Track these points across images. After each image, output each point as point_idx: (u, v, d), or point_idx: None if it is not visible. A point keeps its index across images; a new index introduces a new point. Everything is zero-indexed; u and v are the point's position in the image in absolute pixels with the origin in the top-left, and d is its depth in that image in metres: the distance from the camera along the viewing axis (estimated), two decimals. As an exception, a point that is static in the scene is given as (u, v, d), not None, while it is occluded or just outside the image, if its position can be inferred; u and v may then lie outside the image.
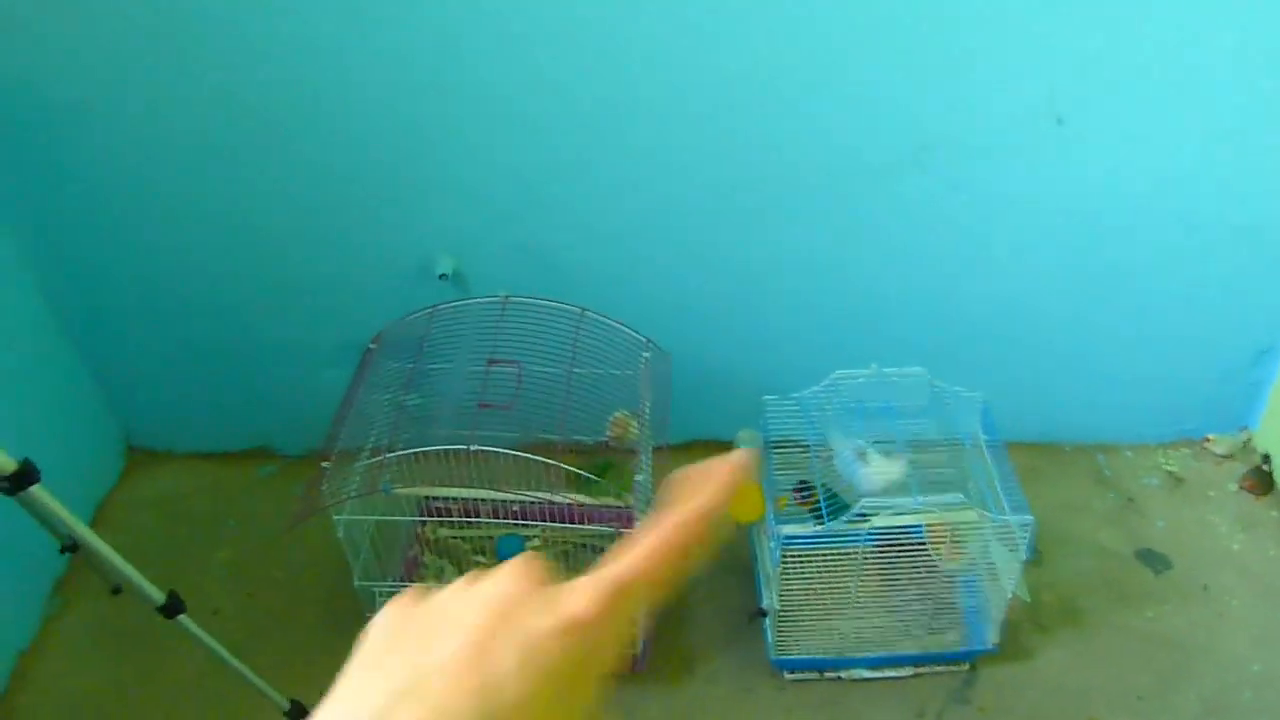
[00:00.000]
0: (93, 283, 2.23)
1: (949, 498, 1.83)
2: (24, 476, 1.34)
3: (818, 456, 1.95)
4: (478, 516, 2.11)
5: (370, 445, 1.87)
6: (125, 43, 1.82)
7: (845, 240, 2.14)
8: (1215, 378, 2.45)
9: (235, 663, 1.67)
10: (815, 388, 1.95)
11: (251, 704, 1.80)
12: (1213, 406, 2.50)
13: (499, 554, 1.82)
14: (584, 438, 1.84)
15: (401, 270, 2.17)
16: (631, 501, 1.82)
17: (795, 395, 1.96)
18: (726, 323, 2.25)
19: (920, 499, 1.80)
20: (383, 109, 1.92)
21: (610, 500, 1.87)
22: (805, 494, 1.97)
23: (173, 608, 1.55)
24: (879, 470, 1.91)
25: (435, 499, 2.14)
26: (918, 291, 2.21)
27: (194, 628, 1.59)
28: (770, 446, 1.97)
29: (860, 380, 1.94)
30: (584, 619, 0.36)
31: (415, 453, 1.71)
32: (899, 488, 1.88)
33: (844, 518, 1.79)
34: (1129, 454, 2.55)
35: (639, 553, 0.39)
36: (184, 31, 1.80)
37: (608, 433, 1.86)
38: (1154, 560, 2.29)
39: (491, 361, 1.78)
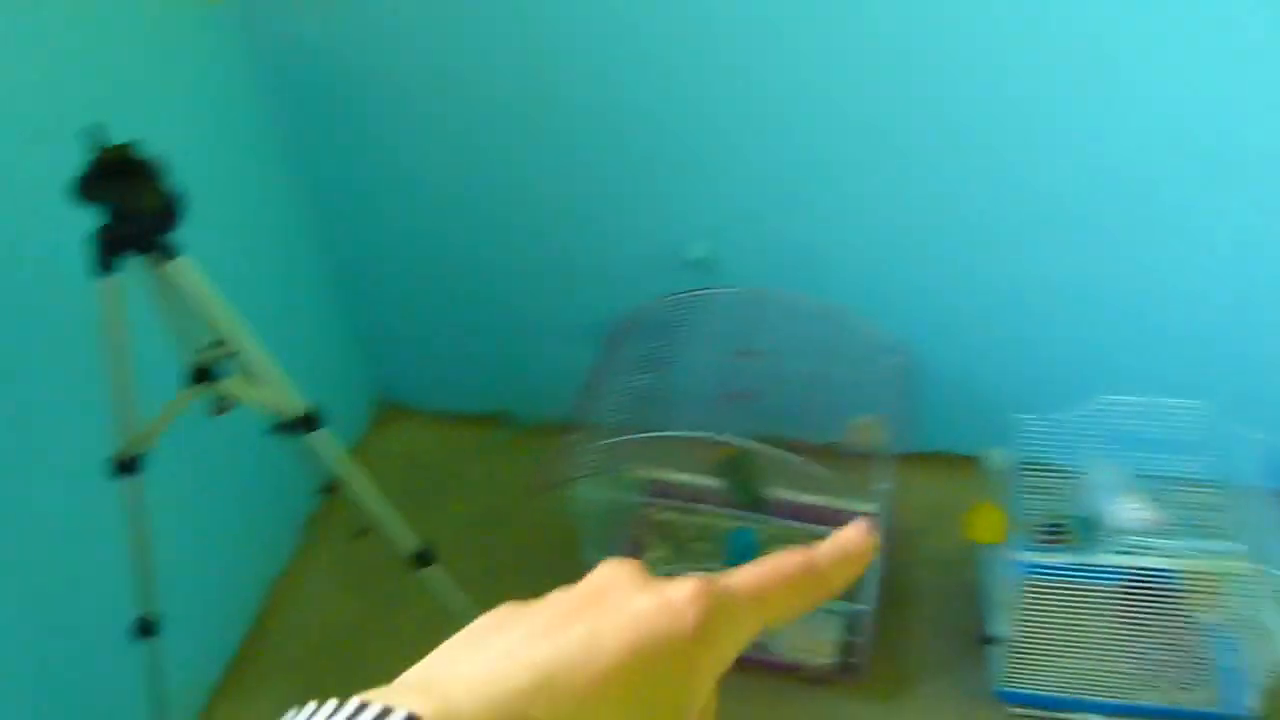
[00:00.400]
0: (364, 241, 2.38)
1: (1219, 545, 1.68)
2: (312, 420, 1.44)
3: (1073, 484, 1.84)
4: (703, 502, 2.12)
5: (612, 423, 1.91)
6: (420, 15, 1.92)
7: (1121, 261, 2.00)
8: None
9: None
10: (1077, 411, 1.84)
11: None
12: None
13: (730, 546, 1.82)
14: (829, 439, 1.81)
15: (655, 253, 2.19)
16: (871, 508, 1.77)
17: (1054, 416, 1.85)
18: (983, 334, 2.15)
19: (1186, 543, 1.66)
20: (654, 96, 1.94)
21: (849, 504, 1.83)
22: (1055, 523, 1.86)
23: (425, 558, 1.63)
24: (1135, 509, 1.78)
25: (662, 482, 2.17)
26: (1202, 320, 2.04)
27: (440, 580, 1.66)
28: (1021, 468, 1.87)
29: (1128, 408, 1.80)
30: (680, 606, 0.33)
31: (658, 436, 1.72)
32: (1155, 530, 1.74)
33: (1096, 552, 1.67)
34: None
35: (756, 572, 0.36)
36: (477, 10, 1.89)
37: (850, 437, 1.81)
38: None
39: (740, 352, 1.77)
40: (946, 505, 2.23)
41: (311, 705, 0.29)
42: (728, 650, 0.34)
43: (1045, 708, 1.94)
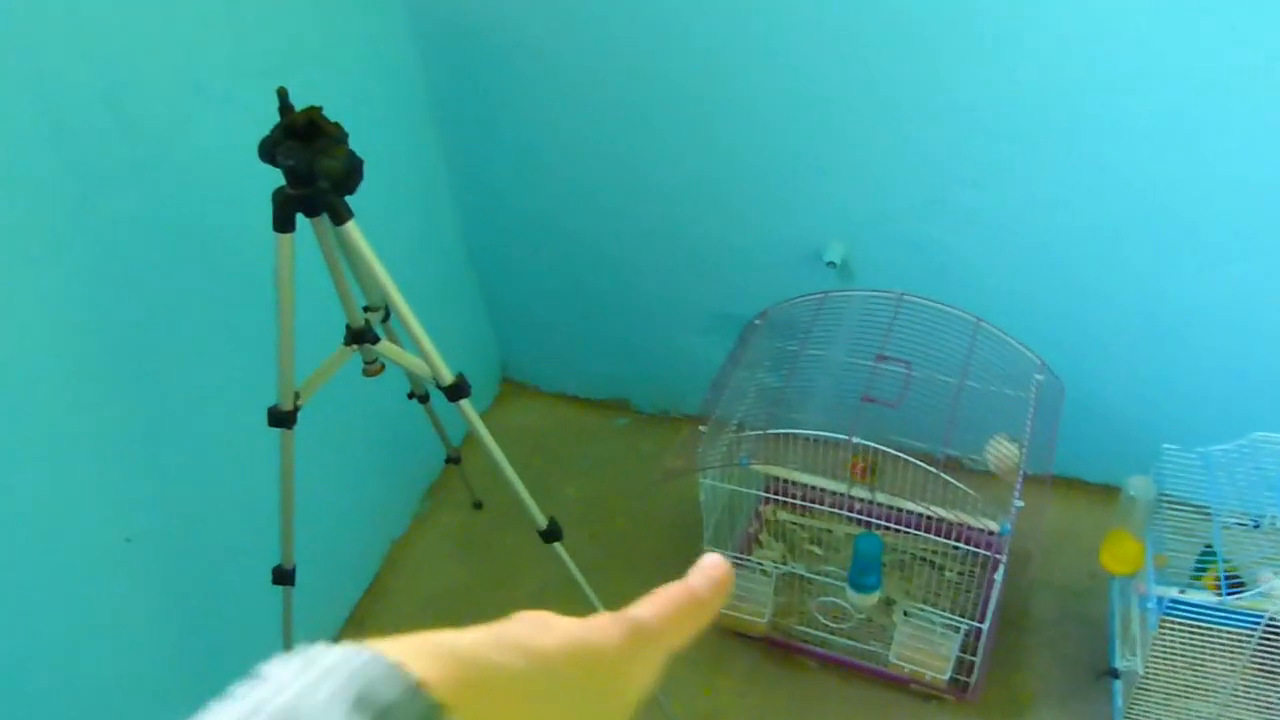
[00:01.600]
0: (501, 220, 2.43)
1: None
2: (459, 389, 1.48)
3: (1220, 522, 1.77)
4: (821, 505, 2.10)
5: (739, 418, 1.91)
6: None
7: (1277, 291, 1.91)
8: None
9: (589, 592, 1.77)
10: (1226, 445, 1.77)
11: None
12: None
13: (857, 550, 1.80)
14: (963, 454, 1.78)
15: (790, 251, 2.18)
16: (1000, 527, 1.73)
17: (1200, 450, 1.78)
18: (1130, 359, 2.08)
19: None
20: (797, 90, 1.93)
21: (977, 521, 1.80)
22: (1202, 561, 1.79)
23: (552, 533, 1.66)
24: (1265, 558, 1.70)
25: (783, 481, 2.16)
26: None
27: (565, 555, 1.69)
28: (1162, 500, 1.81)
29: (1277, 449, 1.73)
30: (604, 625, 0.37)
31: (789, 434, 1.72)
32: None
33: (1245, 596, 1.61)
34: None
35: (654, 604, 0.40)
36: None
37: (987, 456, 1.78)
38: None
39: (880, 357, 1.75)
40: (1077, 532, 2.18)
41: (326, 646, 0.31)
42: (644, 668, 0.38)
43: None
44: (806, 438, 1.80)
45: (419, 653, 0.31)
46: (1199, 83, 1.69)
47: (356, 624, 2.22)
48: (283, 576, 1.68)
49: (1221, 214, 1.83)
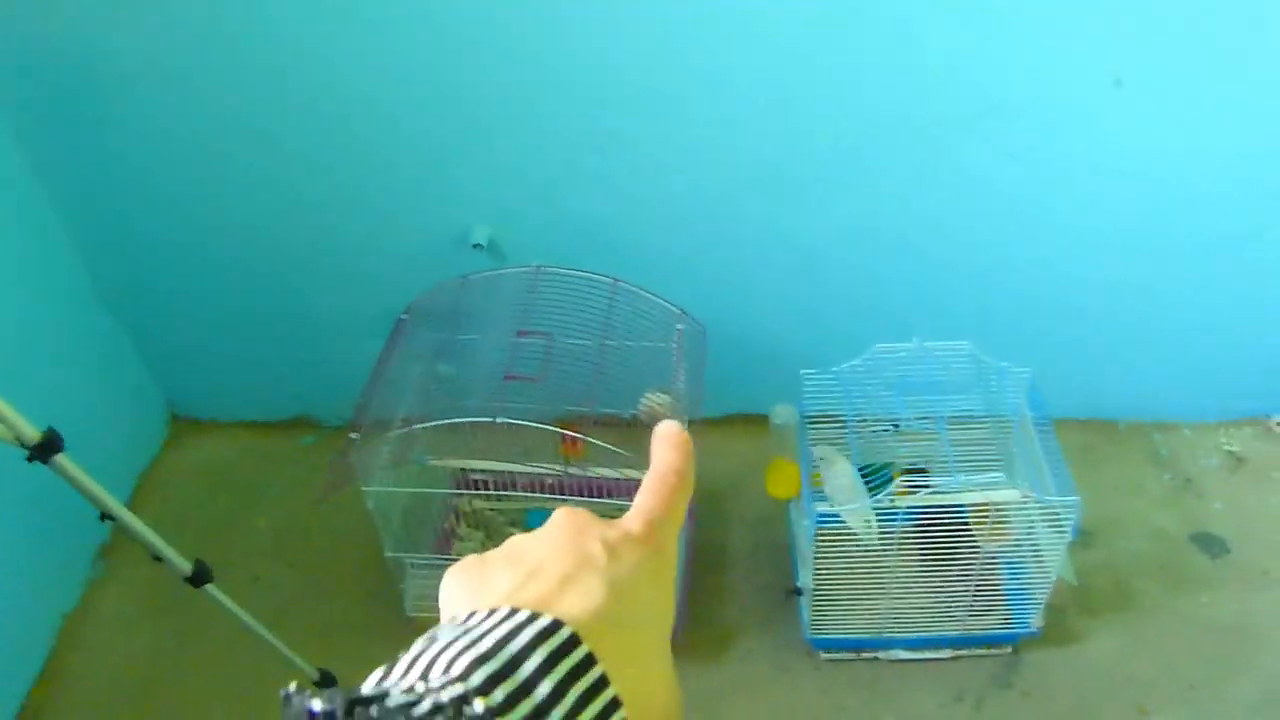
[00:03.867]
0: (133, 251, 2.24)
1: (990, 477, 1.77)
2: (49, 446, 1.35)
3: (855, 433, 1.90)
4: (513, 489, 2.10)
5: (401, 416, 1.86)
6: (167, 12, 1.81)
7: (890, 210, 2.07)
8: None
9: (264, 633, 1.68)
10: (854, 361, 1.90)
11: (288, 669, 1.81)
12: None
13: (528, 528, 1.80)
14: (615, 411, 1.81)
15: (439, 240, 2.15)
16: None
17: (834, 369, 1.90)
18: (765, 294, 2.20)
19: (960, 478, 1.74)
20: (421, 77, 1.89)
21: (638, 474, 1.84)
22: (868, 471, 1.91)
23: (199, 577, 1.55)
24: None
25: (471, 471, 2.14)
26: (966, 262, 2.14)
27: (221, 597, 1.59)
28: (807, 422, 1.92)
29: (901, 354, 1.87)
30: (640, 536, 0.42)
31: (442, 424, 1.69)
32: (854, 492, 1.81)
33: (879, 496, 1.74)
34: (1188, 433, 2.46)
35: (659, 496, 0.45)
36: (229, 4, 1.79)
37: (640, 410, 1.82)
38: (1211, 544, 2.20)
39: (520, 333, 1.75)
40: (750, 465, 2.28)
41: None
42: (673, 554, 0.44)
43: (855, 649, 2.01)
44: (467, 424, 1.77)
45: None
46: (813, 22, 1.78)
47: (30, 716, 2.01)
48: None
49: (815, 160, 1.97)
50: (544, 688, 0.33)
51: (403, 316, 1.95)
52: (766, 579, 2.17)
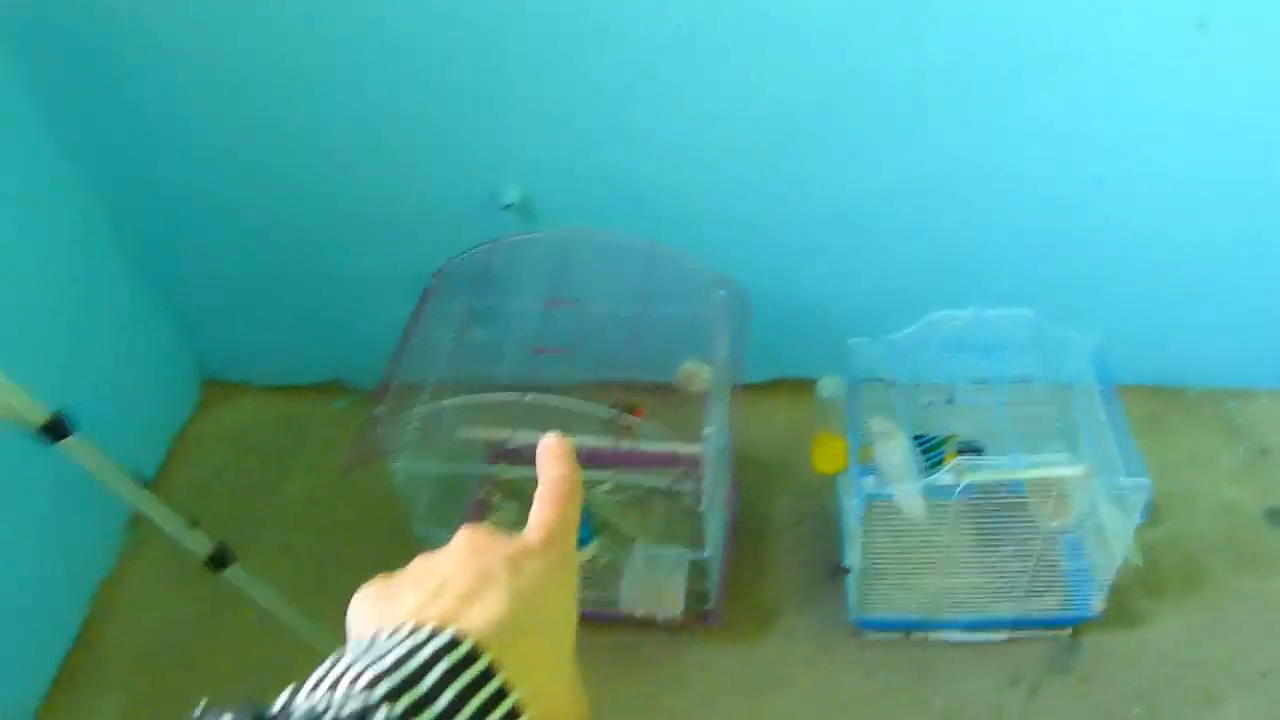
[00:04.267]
0: (161, 212, 2.18)
1: (1053, 456, 1.65)
2: (57, 428, 1.29)
3: (907, 404, 1.79)
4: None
5: (432, 385, 1.79)
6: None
7: (948, 163, 1.93)
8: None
9: (285, 613, 1.63)
10: (909, 330, 1.78)
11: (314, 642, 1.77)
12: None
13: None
14: (652, 378, 1.71)
15: (471, 199, 2.05)
16: (702, 449, 1.69)
17: (886, 338, 1.79)
18: (813, 255, 2.08)
19: (1020, 457, 1.63)
20: (453, 25, 1.78)
21: (680, 447, 1.75)
22: (924, 444, 1.80)
23: (220, 560, 1.50)
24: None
25: (502, 442, 2.07)
26: (1029, 219, 2.00)
27: (242, 580, 1.54)
28: (856, 392, 1.81)
29: (959, 323, 1.75)
30: (538, 547, 0.45)
31: (469, 401, 1.61)
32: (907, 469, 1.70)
33: (937, 474, 1.63)
34: (1265, 400, 2.31)
35: (553, 504, 0.48)
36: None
37: (676, 379, 1.73)
38: (1287, 521, 2.07)
39: (551, 301, 1.66)
40: (796, 433, 2.18)
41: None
42: (573, 557, 0.46)
43: (904, 630, 1.92)
44: (496, 399, 1.70)
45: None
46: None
47: (66, 683, 2.00)
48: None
49: (870, 108, 1.83)
50: (444, 699, 0.35)
51: (433, 281, 1.87)
52: (811, 553, 2.08)
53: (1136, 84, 1.78)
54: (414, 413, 1.72)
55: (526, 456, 1.67)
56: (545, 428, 1.59)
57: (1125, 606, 1.91)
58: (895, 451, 1.70)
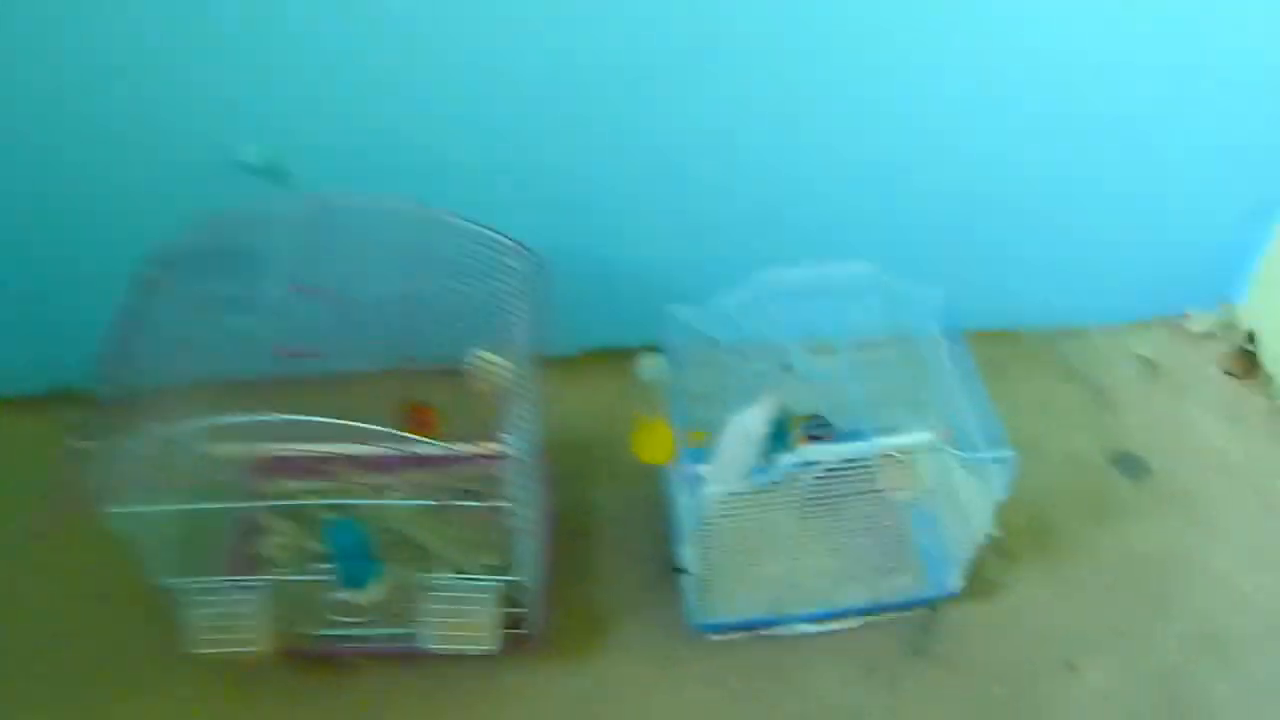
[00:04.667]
0: None
1: (906, 426, 1.46)
2: None
3: (743, 374, 1.56)
4: (328, 466, 1.70)
5: (160, 397, 1.42)
6: None
7: (766, 107, 1.72)
8: (1195, 244, 2.11)
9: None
10: (737, 291, 1.54)
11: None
12: (1191, 278, 2.18)
13: (329, 545, 1.41)
14: (444, 363, 1.41)
15: (197, 160, 1.67)
16: (506, 448, 1.41)
17: (713, 302, 1.55)
18: (621, 215, 1.83)
19: (871, 435, 1.43)
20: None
21: (481, 448, 1.47)
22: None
23: None
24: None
25: (271, 455, 1.73)
26: (854, 162, 1.80)
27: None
28: (680, 368, 1.57)
29: (794, 281, 1.52)
30: None
31: (214, 423, 1.27)
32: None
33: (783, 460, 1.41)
34: (1098, 338, 2.21)
35: None
36: None
37: (469, 368, 1.43)
38: (1132, 466, 1.98)
39: (298, 287, 1.32)
40: (616, 410, 1.91)
41: None
42: None
43: (749, 629, 1.71)
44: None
45: None
46: None
47: None
48: None
49: (676, 43, 1.58)
50: None
51: (152, 265, 1.49)
52: (642, 548, 1.83)
53: (956, 11, 1.59)
54: (139, 437, 1.35)
55: (303, 467, 1.34)
56: (318, 432, 1.26)
57: (980, 576, 1.76)
58: (738, 441, 1.47)
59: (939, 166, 1.87)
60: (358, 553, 1.43)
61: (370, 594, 1.47)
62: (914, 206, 1.92)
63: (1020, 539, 1.84)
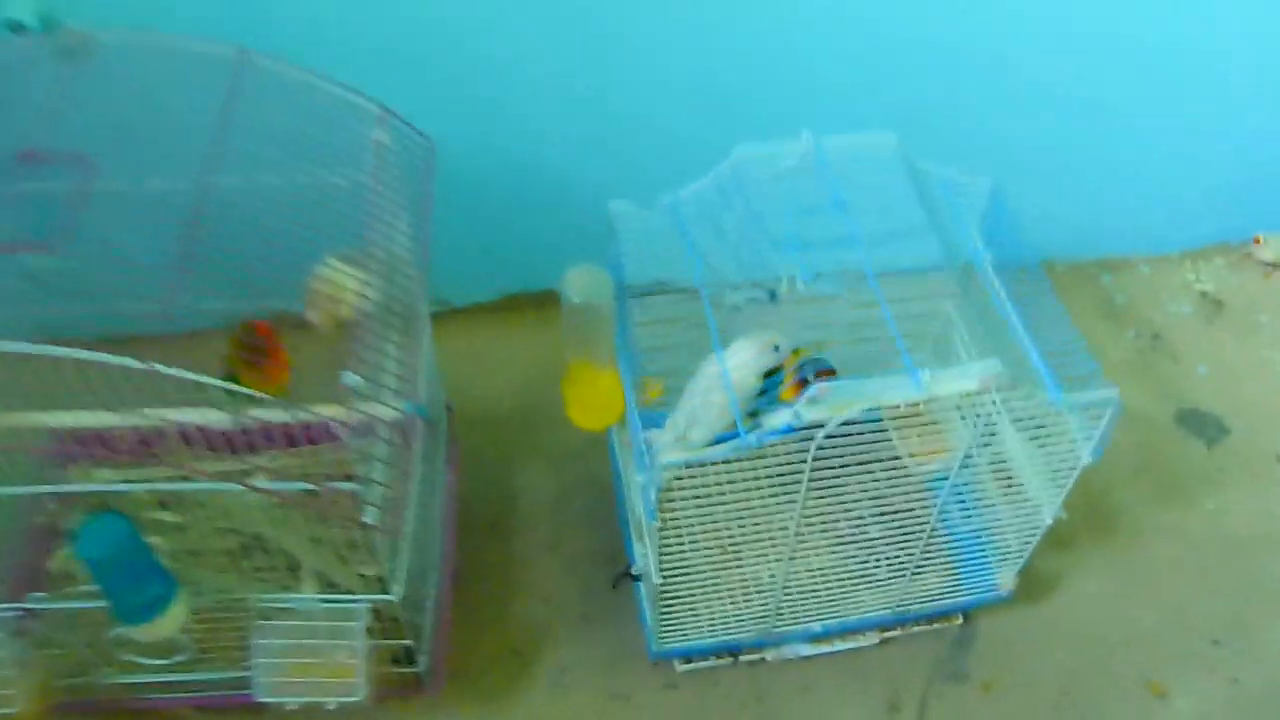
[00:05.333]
0: None
1: (959, 367, 1.03)
2: None
3: (713, 304, 1.10)
4: (152, 446, 1.22)
5: None
6: None
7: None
8: (1265, 155, 1.69)
9: None
10: (699, 183, 1.10)
11: None
12: (1260, 196, 1.76)
13: (82, 553, 0.94)
14: (256, 305, 0.95)
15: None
16: (373, 413, 0.95)
17: (670, 197, 1.10)
18: (546, 99, 1.37)
19: (918, 374, 0.98)
20: None
21: (336, 410, 1.00)
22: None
23: None
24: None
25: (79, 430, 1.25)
26: (865, 43, 1.38)
27: None
28: (629, 293, 1.11)
29: (779, 163, 1.08)
30: None
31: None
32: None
33: (775, 414, 0.96)
34: (1145, 270, 1.80)
35: None
36: None
37: (306, 295, 0.97)
38: (1204, 425, 1.57)
39: (26, 156, 0.85)
40: (548, 370, 1.47)
41: None
42: None
43: (729, 653, 1.27)
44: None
45: None
46: None
47: None
48: None
49: None
50: None
51: None
52: (581, 548, 1.39)
53: None
54: None
55: (121, 446, 0.86)
56: (126, 397, 0.80)
57: (1027, 572, 1.33)
58: (713, 394, 1.02)
59: (969, 80, 1.46)
60: (132, 570, 0.96)
61: (161, 627, 0.99)
62: (930, 120, 1.49)
63: (1075, 522, 1.40)
